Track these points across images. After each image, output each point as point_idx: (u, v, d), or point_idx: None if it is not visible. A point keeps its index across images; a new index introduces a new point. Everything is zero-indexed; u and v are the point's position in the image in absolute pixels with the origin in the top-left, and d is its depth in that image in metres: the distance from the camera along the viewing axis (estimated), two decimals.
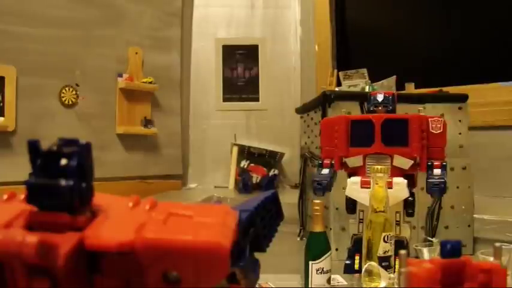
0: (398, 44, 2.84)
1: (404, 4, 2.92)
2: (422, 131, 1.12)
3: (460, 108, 1.80)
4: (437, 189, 1.07)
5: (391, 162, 1.11)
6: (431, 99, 1.81)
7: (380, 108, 1.15)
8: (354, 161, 1.14)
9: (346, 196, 1.15)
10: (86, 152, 0.43)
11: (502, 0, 2.49)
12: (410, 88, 2.15)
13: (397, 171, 1.11)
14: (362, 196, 1.11)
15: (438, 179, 1.08)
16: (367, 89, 2.11)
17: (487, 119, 2.25)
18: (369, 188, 1.08)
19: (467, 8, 2.59)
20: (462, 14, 2.61)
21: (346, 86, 2.26)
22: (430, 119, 1.13)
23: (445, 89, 2.04)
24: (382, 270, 1.05)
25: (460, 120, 1.79)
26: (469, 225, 1.75)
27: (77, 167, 0.41)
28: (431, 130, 1.12)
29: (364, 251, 1.11)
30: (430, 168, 1.12)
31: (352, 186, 1.12)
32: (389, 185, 1.08)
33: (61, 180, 0.40)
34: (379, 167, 1.08)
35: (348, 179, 1.13)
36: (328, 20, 3.04)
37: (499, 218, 1.73)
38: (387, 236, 1.07)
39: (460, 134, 1.79)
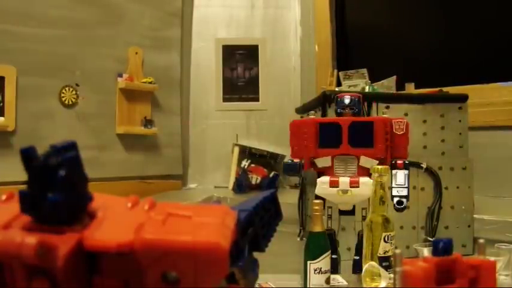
0: (399, 44, 2.84)
1: (404, 4, 2.91)
2: (387, 133, 1.18)
3: (460, 108, 1.80)
4: (400, 208, 1.16)
5: (358, 162, 1.18)
6: (431, 99, 1.81)
7: (347, 110, 1.21)
8: (323, 162, 1.20)
9: (316, 194, 1.21)
10: (75, 162, 0.41)
11: (502, 0, 2.49)
12: (410, 88, 2.15)
13: (364, 171, 1.18)
14: (330, 194, 1.17)
15: (400, 190, 1.16)
16: (367, 89, 2.11)
17: (487, 119, 2.24)
18: (337, 187, 1.15)
19: (468, 8, 2.59)
20: (462, 14, 2.60)
21: (346, 86, 2.26)
22: (393, 121, 1.19)
23: (445, 89, 2.04)
24: (382, 270, 1.06)
25: (460, 120, 1.79)
26: (469, 225, 1.75)
27: (64, 179, 0.40)
28: (394, 131, 1.19)
29: (365, 251, 1.13)
30: (394, 167, 1.18)
31: (322, 186, 1.18)
32: (356, 184, 1.14)
33: (48, 195, 0.39)
34: (379, 167, 1.12)
35: (318, 179, 1.19)
36: (328, 20, 3.04)
37: (499, 218, 1.72)
38: (387, 236, 1.09)
39: (460, 134, 1.79)
